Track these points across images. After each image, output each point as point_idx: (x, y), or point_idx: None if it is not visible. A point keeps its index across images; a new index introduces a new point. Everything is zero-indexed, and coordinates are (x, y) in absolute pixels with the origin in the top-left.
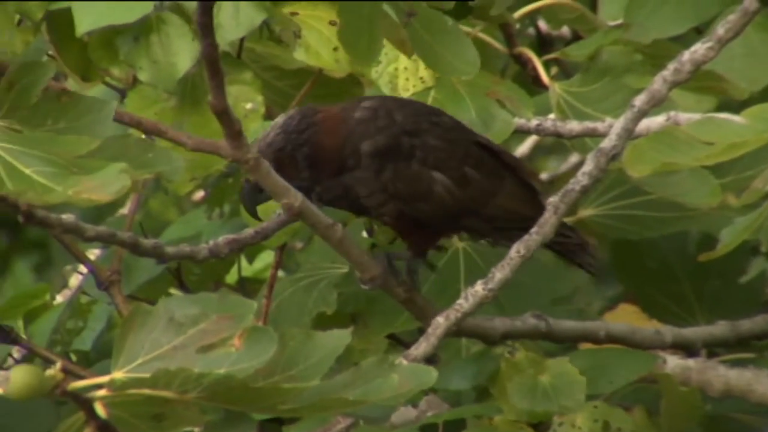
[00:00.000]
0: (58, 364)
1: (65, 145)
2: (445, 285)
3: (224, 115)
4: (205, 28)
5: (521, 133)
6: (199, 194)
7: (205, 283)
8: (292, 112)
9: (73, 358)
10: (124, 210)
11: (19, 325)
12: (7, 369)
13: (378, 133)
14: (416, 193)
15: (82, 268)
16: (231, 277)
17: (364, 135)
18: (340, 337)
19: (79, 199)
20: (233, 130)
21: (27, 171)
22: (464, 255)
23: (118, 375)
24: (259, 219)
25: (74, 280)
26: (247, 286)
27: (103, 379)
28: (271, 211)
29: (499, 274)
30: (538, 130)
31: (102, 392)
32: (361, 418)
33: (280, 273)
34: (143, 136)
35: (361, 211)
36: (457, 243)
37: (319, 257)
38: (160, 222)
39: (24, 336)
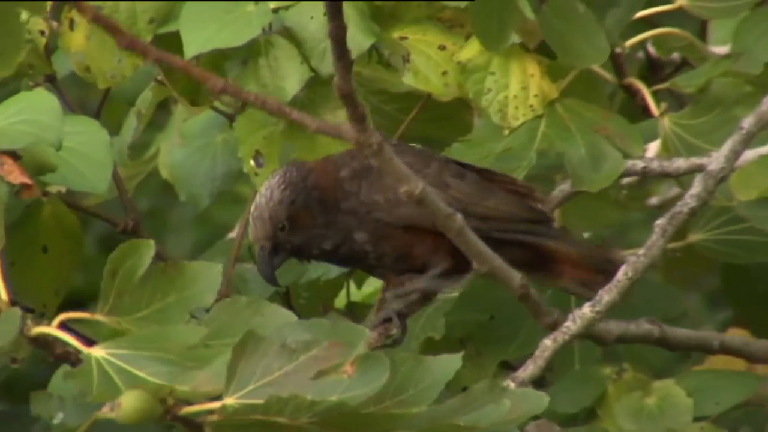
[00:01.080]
0: (169, 389)
1: (176, 337)
2: (557, 306)
3: (349, 98)
4: (333, 8)
5: (629, 176)
6: None
7: (313, 307)
8: (283, 168)
9: None
10: (233, 234)
11: None
12: None
13: (352, 161)
14: (394, 199)
15: None
16: (340, 301)
17: (342, 166)
18: (450, 362)
19: (196, 394)
20: (358, 113)
21: (141, 374)
22: None
23: (229, 401)
24: (278, 285)
25: None
26: (356, 311)
27: (214, 404)
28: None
29: (607, 296)
30: (645, 172)
31: (214, 417)
32: None
33: None
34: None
35: (359, 256)
36: None
37: None
38: None
39: None
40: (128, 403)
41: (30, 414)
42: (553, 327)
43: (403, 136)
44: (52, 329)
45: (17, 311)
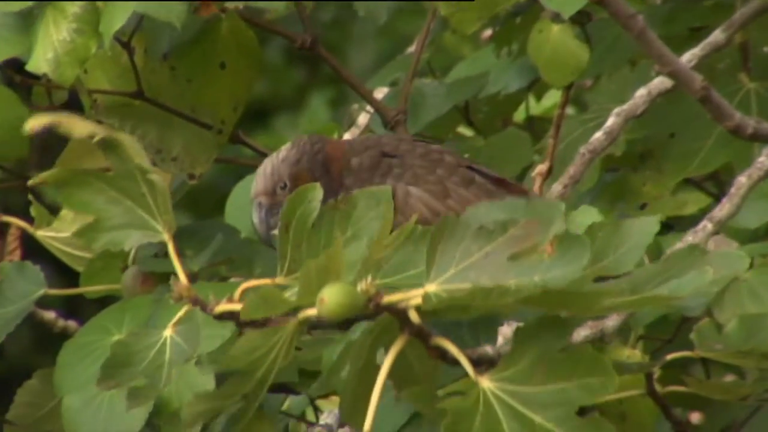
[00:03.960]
0: (369, 278)
1: None
2: None
3: None
4: None
5: None
6: (488, 33)
7: (492, 121)
8: (299, 136)
9: None
10: (412, 48)
11: None
12: None
13: (364, 151)
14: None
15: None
16: (519, 115)
17: (355, 151)
18: (648, 225)
19: None
20: None
21: None
22: (756, 96)
23: (431, 288)
24: (273, 246)
25: (362, 119)
26: (535, 125)
27: (417, 292)
28: None
29: None
30: None
31: (416, 301)
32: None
33: (569, 111)
34: None
35: None
36: (748, 83)
37: (607, 97)
38: (453, 58)
39: None
40: (331, 298)
41: (212, 228)
42: (735, 131)
43: None
44: (235, 305)
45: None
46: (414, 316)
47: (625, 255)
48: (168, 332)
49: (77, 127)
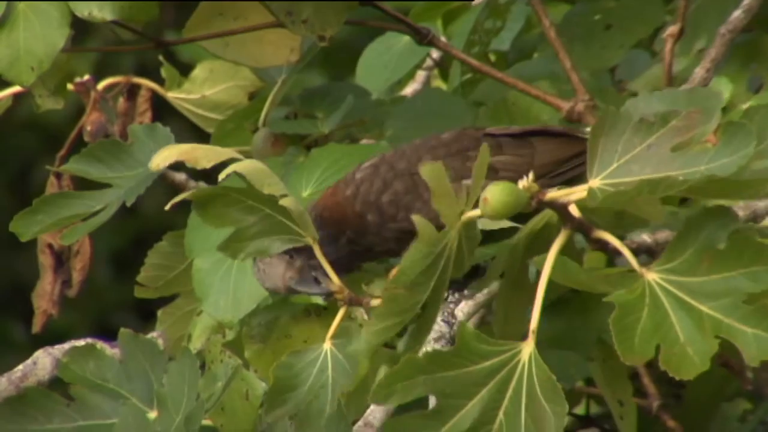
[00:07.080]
0: (531, 176)
1: None
2: None
3: None
4: None
5: None
6: None
7: None
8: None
9: (492, 58)
10: None
11: (437, 26)
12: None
13: (391, 183)
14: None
15: None
16: None
17: (374, 190)
18: None
19: None
20: None
21: None
22: None
23: (595, 183)
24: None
25: None
26: None
27: (581, 188)
28: None
29: None
30: None
31: (580, 196)
32: None
33: None
34: None
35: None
36: None
37: None
38: None
39: (442, 37)
40: (494, 197)
41: (343, 89)
42: None
43: None
44: None
45: None
46: (575, 210)
47: None
48: (327, 345)
49: (204, 157)
